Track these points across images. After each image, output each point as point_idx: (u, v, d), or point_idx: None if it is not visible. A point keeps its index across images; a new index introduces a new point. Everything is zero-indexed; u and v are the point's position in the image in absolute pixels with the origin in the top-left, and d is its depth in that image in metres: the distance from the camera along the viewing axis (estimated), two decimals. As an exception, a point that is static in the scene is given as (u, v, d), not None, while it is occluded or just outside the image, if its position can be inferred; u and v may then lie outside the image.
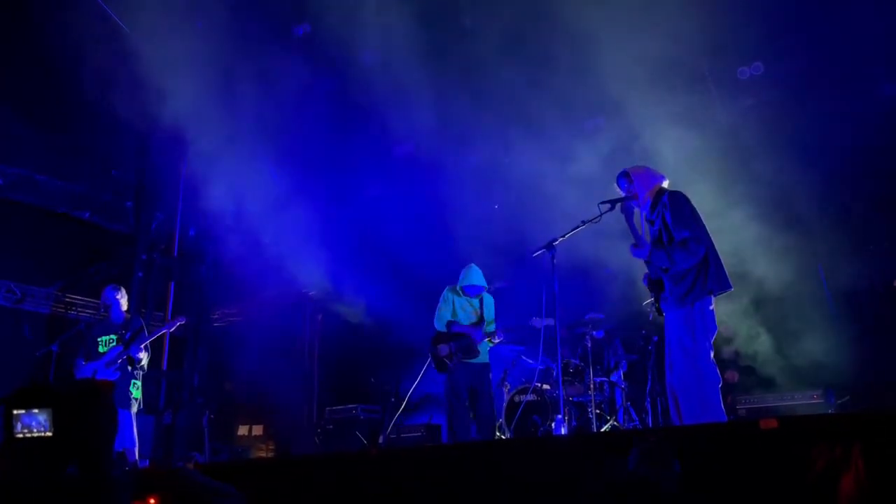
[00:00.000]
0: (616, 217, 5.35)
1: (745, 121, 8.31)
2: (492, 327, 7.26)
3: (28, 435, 2.05)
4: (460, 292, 7.43)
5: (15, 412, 2.06)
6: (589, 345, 7.86)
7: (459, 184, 9.73)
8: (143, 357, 6.99)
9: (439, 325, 7.36)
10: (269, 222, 10.44)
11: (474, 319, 7.33)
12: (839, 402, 7.49)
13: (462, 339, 7.19)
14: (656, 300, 5.15)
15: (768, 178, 7.57)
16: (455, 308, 7.38)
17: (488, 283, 7.57)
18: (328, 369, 12.41)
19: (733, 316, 7.72)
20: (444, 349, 7.23)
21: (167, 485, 2.33)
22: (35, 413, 2.04)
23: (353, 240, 10.27)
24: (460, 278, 7.48)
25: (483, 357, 7.24)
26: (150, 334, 7.20)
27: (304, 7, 9.94)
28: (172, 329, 7.65)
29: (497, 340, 7.26)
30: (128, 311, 7.32)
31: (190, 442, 9.91)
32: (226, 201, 11.31)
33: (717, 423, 4.47)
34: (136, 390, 7.03)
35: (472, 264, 7.52)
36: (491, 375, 7.39)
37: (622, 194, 5.34)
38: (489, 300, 7.46)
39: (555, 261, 5.56)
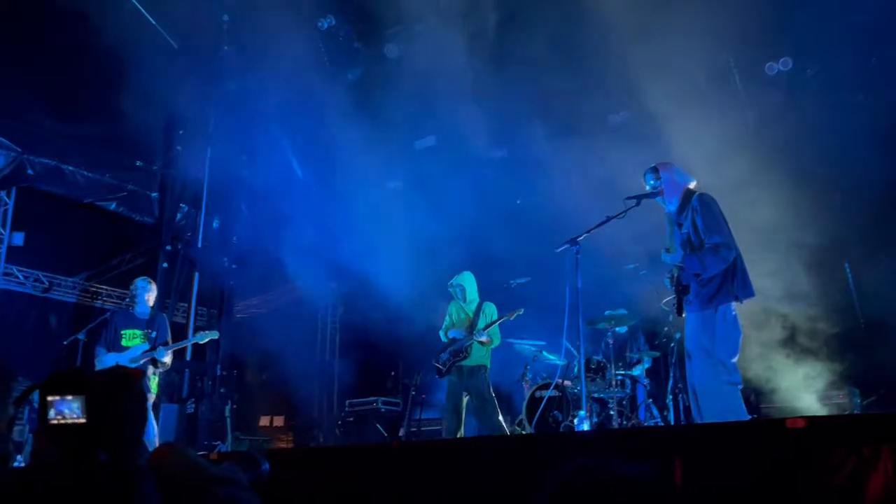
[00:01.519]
0: (641, 212, 5.32)
1: (773, 117, 8.21)
2: (477, 328, 7.37)
3: (62, 421, 2.07)
4: (457, 297, 7.67)
5: (49, 398, 2.08)
6: (611, 341, 7.82)
7: (483, 178, 9.72)
8: (168, 360, 7.08)
9: (441, 335, 7.63)
10: (292, 213, 10.48)
11: (466, 325, 7.50)
12: (865, 402, 7.40)
13: (453, 343, 7.42)
14: (678, 301, 5.11)
15: (796, 175, 7.46)
16: (453, 317, 7.66)
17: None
18: (349, 362, 12.46)
19: (758, 315, 7.64)
20: (442, 357, 7.48)
21: (156, 463, 2.15)
22: (69, 400, 2.06)
23: (376, 232, 10.29)
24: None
25: (474, 360, 7.34)
26: (179, 342, 7.32)
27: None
28: (203, 342, 7.72)
29: (483, 340, 7.28)
30: (153, 306, 7.36)
31: (212, 432, 10.00)
32: (249, 193, 11.40)
33: (743, 422, 4.44)
34: (154, 385, 7.11)
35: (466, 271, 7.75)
36: (487, 376, 7.39)
37: (648, 189, 5.31)
38: (488, 308, 7.57)
39: (578, 256, 5.53)
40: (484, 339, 7.29)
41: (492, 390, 7.37)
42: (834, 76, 7.98)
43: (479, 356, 7.37)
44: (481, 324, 7.40)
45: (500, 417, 7.26)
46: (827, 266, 7.72)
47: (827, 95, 7.85)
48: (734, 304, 4.91)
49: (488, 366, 7.45)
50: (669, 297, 5.29)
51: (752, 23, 7.67)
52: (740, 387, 4.79)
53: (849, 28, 7.62)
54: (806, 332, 7.77)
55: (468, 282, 7.62)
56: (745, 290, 4.94)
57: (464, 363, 7.35)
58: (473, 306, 7.58)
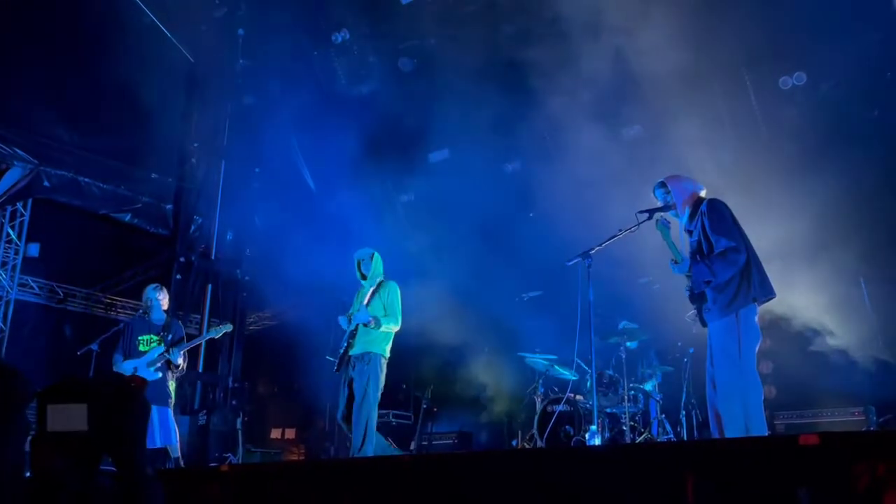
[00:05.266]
0: (654, 226, 5.29)
1: (786, 132, 8.16)
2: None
3: (63, 430, 2.05)
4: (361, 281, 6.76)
5: (50, 406, 2.06)
6: (623, 355, 7.76)
7: (495, 191, 9.71)
8: (182, 363, 7.13)
9: (342, 322, 6.62)
10: (305, 226, 10.50)
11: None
12: (881, 419, 7.31)
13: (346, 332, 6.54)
14: (699, 311, 5.07)
15: (810, 189, 7.41)
16: (355, 304, 6.73)
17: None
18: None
19: (773, 329, 7.57)
20: (339, 349, 6.56)
21: None
22: (71, 408, 2.05)
23: (387, 244, 10.30)
24: None
25: (360, 346, 6.34)
26: (193, 340, 7.41)
27: (343, 13, 10.05)
28: (218, 336, 7.74)
29: (367, 322, 6.27)
30: (167, 311, 7.42)
31: (224, 443, 10.00)
32: (263, 206, 11.45)
33: (755, 438, 4.37)
34: (172, 391, 7.17)
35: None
36: (377, 368, 6.29)
37: (659, 204, 5.28)
38: (389, 287, 6.55)
39: (590, 270, 5.50)
40: (367, 320, 6.26)
41: (377, 387, 6.27)
42: (848, 91, 7.92)
43: (365, 342, 6.32)
44: (376, 305, 6.41)
45: (373, 425, 6.22)
46: (842, 281, 7.63)
47: (841, 111, 7.80)
48: (756, 307, 4.85)
49: (379, 353, 6.36)
50: (692, 312, 5.24)
51: (767, 37, 7.65)
52: (762, 396, 4.72)
53: (864, 43, 7.58)
54: (821, 348, 7.70)
55: (371, 257, 6.66)
56: (764, 291, 4.87)
57: (351, 352, 6.35)
58: (373, 285, 6.58)
